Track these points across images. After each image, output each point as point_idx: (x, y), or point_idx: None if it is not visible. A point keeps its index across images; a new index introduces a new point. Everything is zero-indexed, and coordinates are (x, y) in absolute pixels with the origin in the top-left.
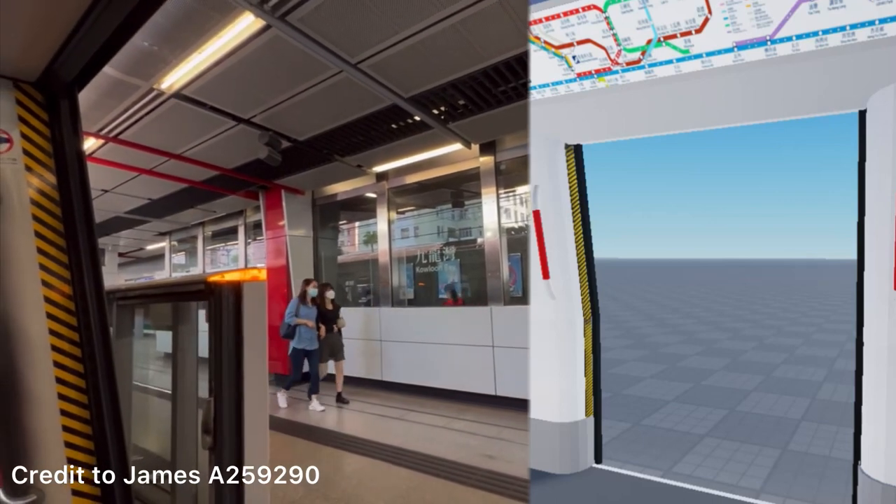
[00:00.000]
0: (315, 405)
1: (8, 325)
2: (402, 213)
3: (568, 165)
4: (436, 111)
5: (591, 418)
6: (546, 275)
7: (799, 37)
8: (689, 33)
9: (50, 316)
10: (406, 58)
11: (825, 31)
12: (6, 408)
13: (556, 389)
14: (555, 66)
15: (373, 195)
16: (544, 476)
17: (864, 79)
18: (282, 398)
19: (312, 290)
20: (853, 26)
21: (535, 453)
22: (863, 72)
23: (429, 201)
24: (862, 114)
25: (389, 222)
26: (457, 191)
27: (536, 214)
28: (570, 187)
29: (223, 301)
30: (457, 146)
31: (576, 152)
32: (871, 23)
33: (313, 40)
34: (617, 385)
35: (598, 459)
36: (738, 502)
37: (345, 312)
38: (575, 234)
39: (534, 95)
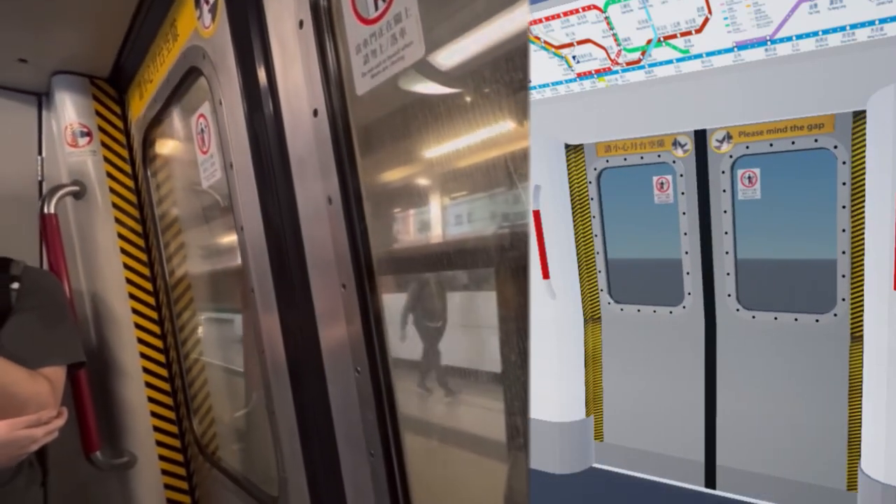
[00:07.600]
0: None
1: (97, 306)
2: None
3: (568, 165)
4: None
5: (591, 418)
6: (546, 275)
7: (799, 37)
8: (689, 33)
9: (132, 297)
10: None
11: (825, 32)
12: (100, 379)
13: (555, 389)
14: (555, 66)
15: None
16: (544, 476)
17: (864, 79)
18: None
19: None
20: (853, 26)
21: (535, 453)
22: (863, 72)
23: None
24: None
25: None
26: None
27: (536, 214)
28: (571, 187)
29: None
30: None
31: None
32: (871, 23)
33: None
34: None
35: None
36: (739, 502)
37: None
38: (575, 233)
39: (534, 95)
